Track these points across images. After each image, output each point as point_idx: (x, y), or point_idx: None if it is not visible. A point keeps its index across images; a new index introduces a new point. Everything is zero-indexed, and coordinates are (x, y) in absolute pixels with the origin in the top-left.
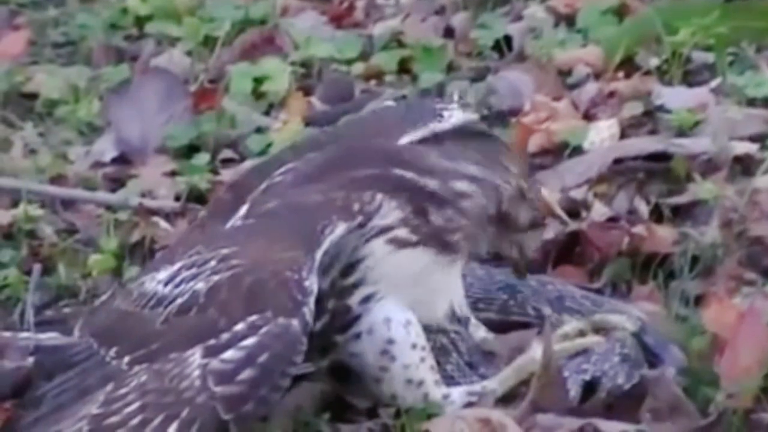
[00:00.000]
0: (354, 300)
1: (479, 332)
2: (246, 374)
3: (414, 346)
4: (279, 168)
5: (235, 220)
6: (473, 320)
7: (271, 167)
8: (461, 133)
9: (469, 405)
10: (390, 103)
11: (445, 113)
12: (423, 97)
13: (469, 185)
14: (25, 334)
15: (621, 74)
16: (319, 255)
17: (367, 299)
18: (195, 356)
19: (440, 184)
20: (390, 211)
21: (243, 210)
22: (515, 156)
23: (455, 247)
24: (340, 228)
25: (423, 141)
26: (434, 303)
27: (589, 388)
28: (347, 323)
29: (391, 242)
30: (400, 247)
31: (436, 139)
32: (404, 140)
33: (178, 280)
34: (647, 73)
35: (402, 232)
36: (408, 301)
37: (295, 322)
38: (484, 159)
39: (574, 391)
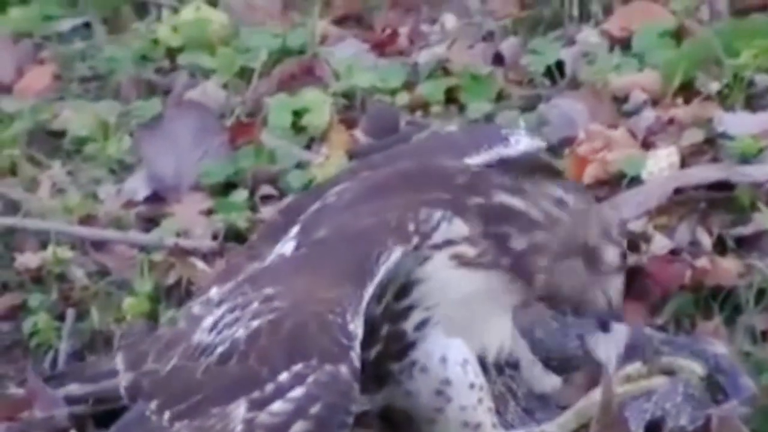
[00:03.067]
0: (409, 325)
1: (545, 377)
2: (298, 427)
3: (472, 386)
4: (332, 188)
5: (286, 242)
6: (539, 365)
7: (324, 187)
8: (525, 164)
9: None
10: (453, 127)
11: (512, 138)
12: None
13: (558, 209)
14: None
15: (680, 100)
16: (369, 291)
17: (422, 324)
18: (239, 410)
19: (528, 205)
20: (453, 228)
21: (294, 231)
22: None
23: (530, 276)
24: (396, 253)
25: (488, 165)
26: (486, 336)
27: (654, 430)
28: (402, 349)
29: (454, 258)
30: (462, 265)
31: (502, 164)
32: (467, 162)
33: (221, 325)
34: (707, 98)
35: (467, 250)
36: (461, 330)
37: (343, 369)
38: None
39: None
